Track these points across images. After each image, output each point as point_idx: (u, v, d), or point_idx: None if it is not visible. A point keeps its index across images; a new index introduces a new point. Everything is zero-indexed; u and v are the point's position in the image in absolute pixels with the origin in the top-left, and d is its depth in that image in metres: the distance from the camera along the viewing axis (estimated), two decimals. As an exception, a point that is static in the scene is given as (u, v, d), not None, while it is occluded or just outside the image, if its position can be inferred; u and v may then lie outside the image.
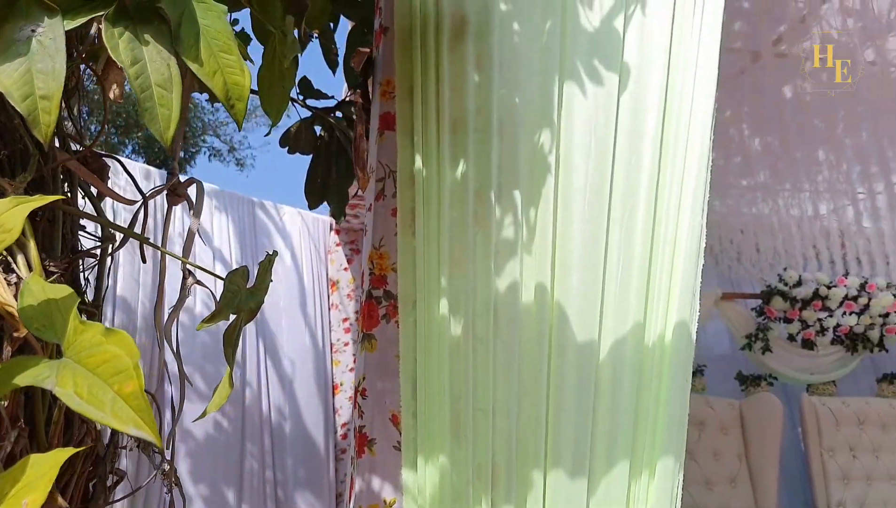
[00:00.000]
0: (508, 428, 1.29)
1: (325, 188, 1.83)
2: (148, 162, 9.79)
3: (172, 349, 1.07)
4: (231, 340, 0.94)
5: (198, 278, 1.04)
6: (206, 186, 4.43)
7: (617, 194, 1.42)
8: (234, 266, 4.31)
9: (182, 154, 10.64)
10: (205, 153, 10.52)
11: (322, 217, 5.06)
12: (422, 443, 1.29)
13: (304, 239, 4.79)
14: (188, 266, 1.09)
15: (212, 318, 0.88)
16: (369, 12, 1.69)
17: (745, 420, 4.84)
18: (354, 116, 1.71)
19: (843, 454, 4.90)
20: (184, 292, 1.04)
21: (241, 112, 0.81)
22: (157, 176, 4.10)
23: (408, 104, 1.42)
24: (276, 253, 1.00)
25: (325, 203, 1.88)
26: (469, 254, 1.34)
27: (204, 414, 0.92)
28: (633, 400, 1.32)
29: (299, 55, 1.35)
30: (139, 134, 9.63)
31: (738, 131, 4.24)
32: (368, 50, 1.63)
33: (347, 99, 1.82)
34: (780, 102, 3.79)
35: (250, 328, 4.24)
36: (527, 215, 1.38)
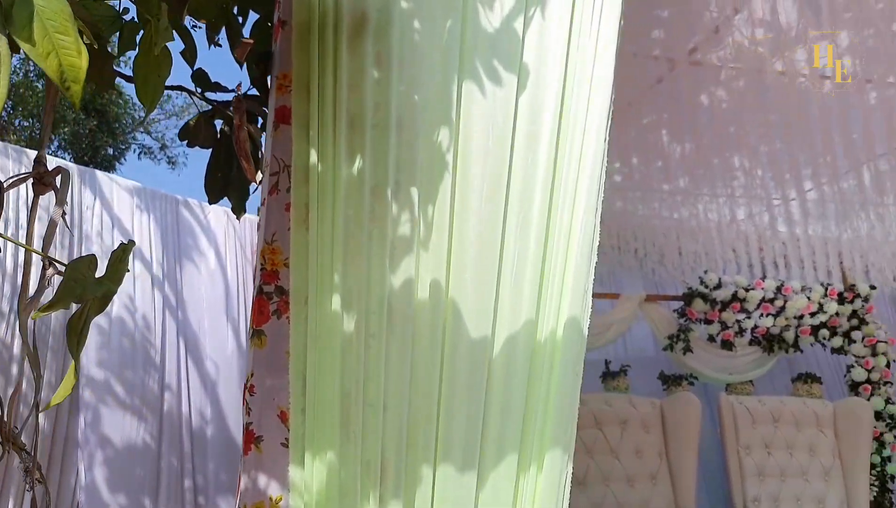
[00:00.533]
0: (399, 424, 1.29)
1: (225, 183, 1.80)
2: (75, 159, 9.50)
3: (29, 342, 1.03)
4: (76, 329, 0.91)
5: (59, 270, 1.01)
6: (127, 182, 4.32)
7: (513, 193, 1.43)
8: (155, 266, 4.21)
9: (110, 151, 10.34)
10: (135, 151, 10.24)
11: (250, 216, 4.99)
12: (310, 440, 1.28)
13: (230, 238, 4.71)
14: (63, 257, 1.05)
15: (49, 307, 0.86)
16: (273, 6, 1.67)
17: (666, 419, 4.95)
18: (259, 109, 1.69)
19: (758, 451, 5.05)
20: (42, 282, 1.01)
21: (76, 94, 0.79)
22: (75, 172, 3.98)
23: (304, 99, 1.41)
24: (132, 243, 0.97)
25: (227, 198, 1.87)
26: (364, 250, 1.34)
27: (47, 407, 0.90)
28: (523, 395, 1.34)
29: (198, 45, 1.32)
30: (65, 130, 9.34)
31: (658, 137, 4.34)
32: (252, 41, 1.61)
33: (248, 93, 1.80)
34: (696, 110, 3.89)
35: (171, 329, 4.14)
36: (424, 213, 1.39)
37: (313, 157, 1.37)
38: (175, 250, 4.35)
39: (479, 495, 1.28)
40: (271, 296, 1.43)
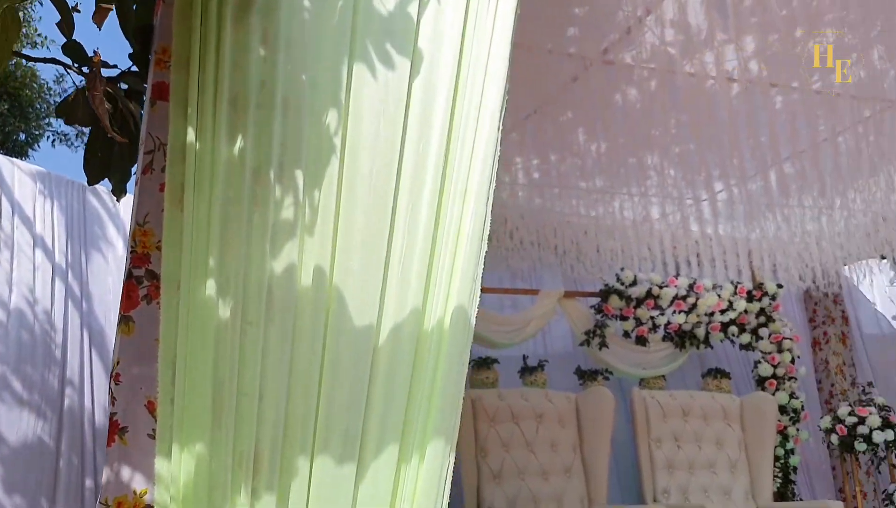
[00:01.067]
0: (275, 414, 1.23)
1: (106, 163, 1.71)
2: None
3: None
4: None
5: None
6: (31, 167, 4.12)
7: (404, 180, 1.39)
8: (58, 255, 4.02)
9: (22, 137, 9.93)
10: (48, 138, 9.81)
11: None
12: (179, 430, 1.21)
13: (141, 228, 4.54)
14: None
15: None
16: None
17: (581, 413, 5.01)
18: (140, 85, 1.61)
19: (668, 444, 5.16)
20: None
21: None
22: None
23: (184, 74, 1.35)
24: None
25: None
26: (243, 234, 1.28)
27: None
28: (407, 385, 1.30)
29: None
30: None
31: (575, 136, 4.38)
32: (111, 6, 1.53)
33: (132, 70, 1.71)
34: (611, 109, 3.93)
35: (74, 322, 3.97)
36: (309, 197, 1.34)
37: (191, 135, 1.31)
38: (81, 239, 4.17)
39: (359, 487, 1.24)
40: (141, 280, 1.36)
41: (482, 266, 1.43)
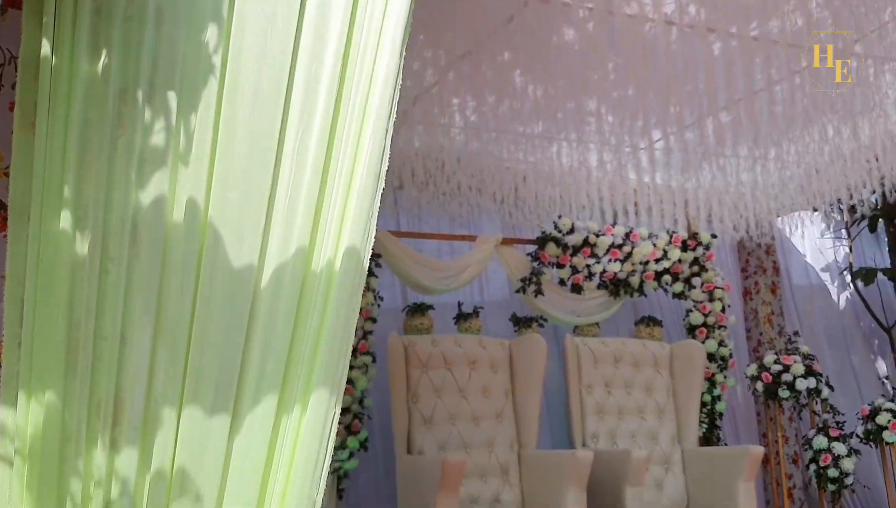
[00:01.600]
0: (139, 360, 1.12)
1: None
2: None
3: None
4: None
5: None
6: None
7: (293, 105, 1.26)
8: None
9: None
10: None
11: None
12: (27, 377, 1.09)
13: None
14: None
15: None
16: None
17: (514, 360, 4.99)
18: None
19: (599, 390, 5.20)
20: None
21: None
22: None
23: (37, -21, 1.19)
24: None
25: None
26: (104, 161, 1.14)
27: None
28: (289, 331, 1.20)
29: None
30: None
31: (512, 78, 4.25)
32: None
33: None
34: (549, 51, 3.81)
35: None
36: (184, 121, 1.20)
37: (46, 48, 1.15)
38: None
39: (233, 440, 1.14)
40: (-16, 210, 1.22)
41: (378, 204, 1.32)
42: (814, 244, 6.78)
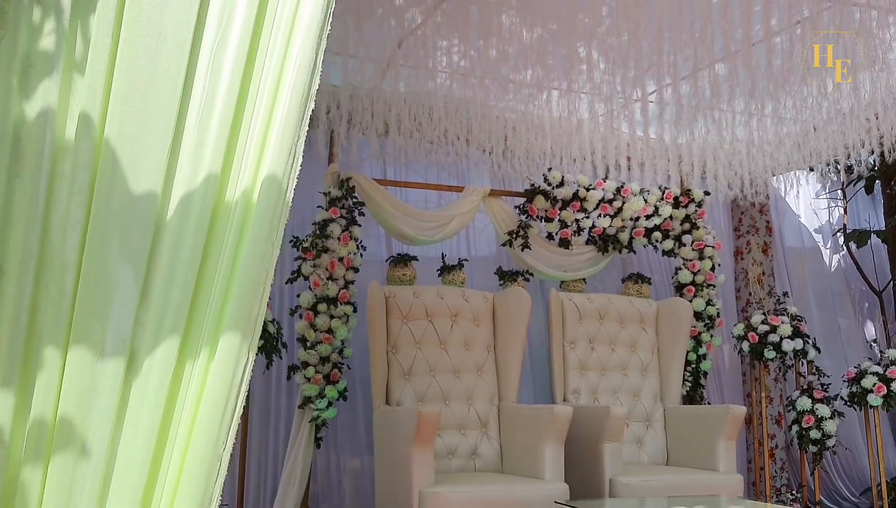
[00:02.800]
0: (19, 293, 0.98)
1: None
2: None
3: None
4: None
5: None
6: None
7: (211, 11, 1.10)
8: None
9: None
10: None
11: None
12: None
13: None
14: None
15: None
16: None
17: (497, 313, 4.87)
18: None
19: (583, 345, 5.09)
20: None
21: None
22: None
23: None
24: None
25: None
26: (-20, 65, 0.99)
27: None
28: (195, 266, 1.05)
29: None
30: None
31: (504, 21, 4.05)
32: None
33: None
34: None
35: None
36: (80, 23, 1.04)
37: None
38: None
39: (130, 384, 1.01)
40: None
41: (306, 128, 1.16)
42: (808, 205, 6.62)
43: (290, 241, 4.78)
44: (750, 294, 6.25)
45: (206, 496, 1.00)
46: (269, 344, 4.23)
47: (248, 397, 4.37)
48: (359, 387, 5.01)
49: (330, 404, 4.66)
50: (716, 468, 4.50)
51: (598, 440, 4.29)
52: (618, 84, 4.59)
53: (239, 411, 1.06)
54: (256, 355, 4.24)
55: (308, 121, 1.15)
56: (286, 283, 4.83)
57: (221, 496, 1.04)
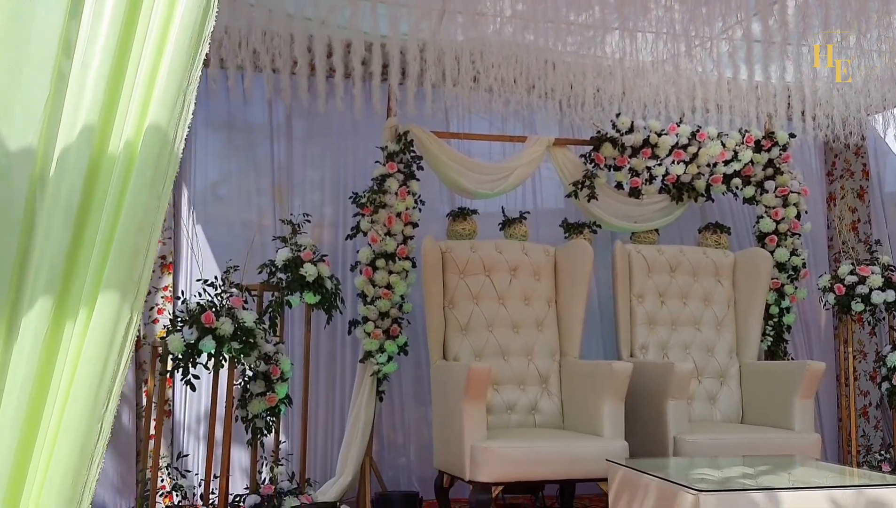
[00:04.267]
0: None
1: None
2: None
3: None
4: None
5: None
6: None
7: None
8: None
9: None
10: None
11: None
12: None
13: None
14: None
15: None
16: None
17: (559, 266, 4.71)
18: None
19: (652, 299, 4.86)
20: None
21: None
22: None
23: None
24: None
25: None
26: None
27: None
28: (71, 223, 1.00)
29: None
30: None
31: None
32: None
33: None
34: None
35: None
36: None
37: None
38: None
39: (10, 346, 0.98)
40: None
41: (198, 74, 1.08)
42: (913, 146, 6.02)
43: (350, 197, 4.78)
44: (843, 243, 5.79)
45: (83, 456, 0.96)
46: (327, 300, 4.25)
47: (308, 351, 4.43)
48: (422, 342, 4.99)
49: (390, 358, 4.67)
50: (791, 427, 4.23)
51: (662, 398, 4.11)
52: (692, 22, 4.26)
53: (123, 371, 1.01)
54: (316, 309, 4.29)
55: (200, 67, 1.07)
56: (346, 239, 4.83)
57: (104, 459, 1.01)
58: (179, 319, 3.45)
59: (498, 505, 4.68)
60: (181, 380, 3.36)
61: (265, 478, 4.05)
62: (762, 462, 3.56)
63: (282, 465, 4.13)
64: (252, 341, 3.57)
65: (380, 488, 4.69)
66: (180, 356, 3.33)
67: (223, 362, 3.51)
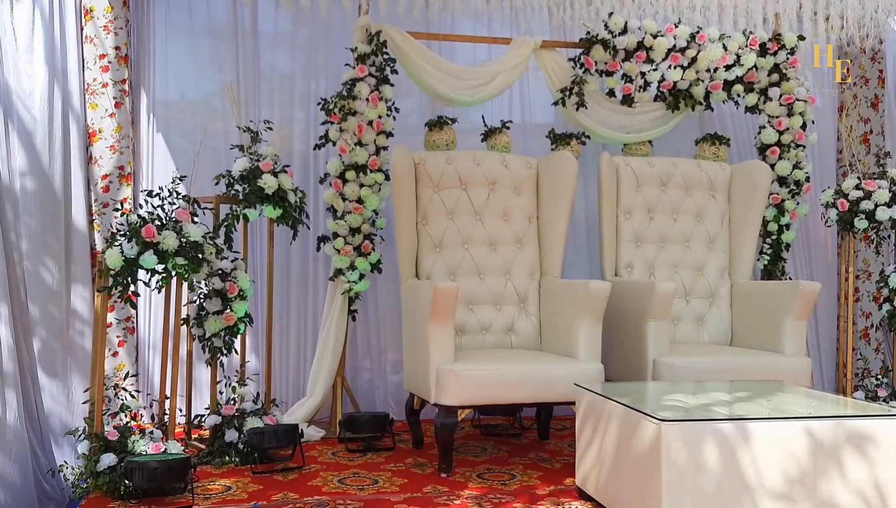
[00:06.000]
0: None
1: None
2: None
3: None
4: None
5: None
6: None
7: None
8: None
9: None
10: None
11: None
12: None
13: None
14: None
15: None
16: None
17: (541, 180, 4.43)
18: None
19: (640, 215, 4.58)
20: None
21: None
22: None
23: None
24: None
25: None
26: None
27: None
28: None
29: None
30: None
31: None
32: None
33: None
34: None
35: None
36: None
37: None
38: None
39: None
40: None
41: None
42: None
43: (318, 103, 4.49)
44: (853, 155, 5.45)
45: None
46: (289, 214, 4.02)
47: (272, 268, 4.23)
48: (397, 259, 4.78)
49: (362, 276, 4.47)
50: (781, 350, 4.02)
51: (642, 319, 3.89)
52: None
53: None
54: (279, 224, 4.06)
55: None
56: (314, 149, 4.57)
57: None
58: (120, 232, 3.23)
59: (475, 426, 4.56)
60: (118, 297, 3.17)
61: (230, 399, 3.92)
62: (743, 387, 3.36)
63: (246, 385, 3.99)
64: (200, 256, 3.36)
65: (353, 409, 4.57)
66: (118, 272, 3.13)
67: (168, 278, 3.31)
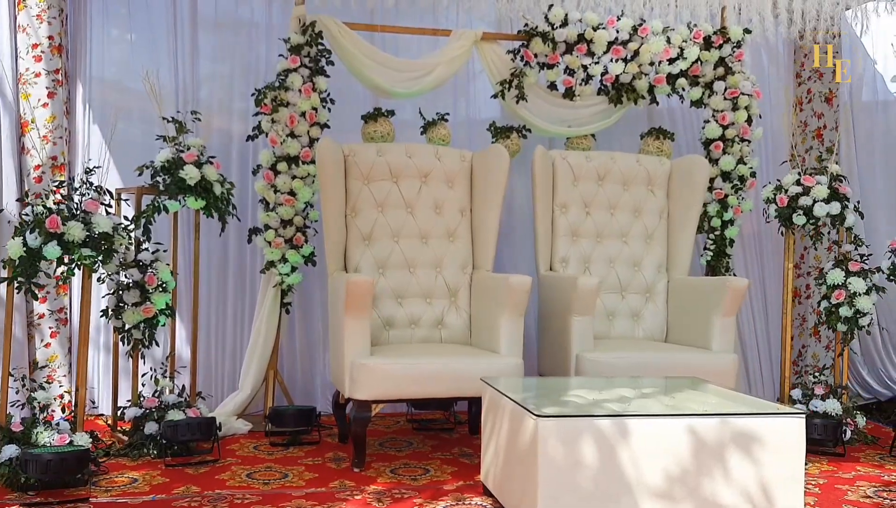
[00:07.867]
0: None
1: None
2: None
3: None
4: None
5: None
6: None
7: None
8: None
9: None
10: None
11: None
12: None
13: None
14: None
15: None
16: None
17: (475, 173, 4.41)
18: None
19: (576, 210, 4.56)
20: None
21: None
22: None
23: None
24: None
25: None
26: None
27: None
28: None
29: None
30: None
31: None
32: None
33: None
34: None
35: None
36: None
37: None
38: None
39: None
40: None
41: None
42: (889, 47, 5.54)
43: (252, 94, 4.48)
44: (807, 151, 5.43)
45: None
46: (214, 205, 4.01)
47: (197, 259, 4.23)
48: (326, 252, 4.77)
49: (294, 268, 4.47)
50: (709, 347, 4.00)
51: (566, 314, 3.88)
52: None
53: None
54: (207, 216, 4.05)
55: None
56: (246, 140, 4.56)
57: None
58: (27, 223, 3.23)
59: (408, 420, 4.56)
60: (17, 289, 3.17)
61: (156, 391, 3.92)
62: (652, 384, 3.35)
63: (173, 378, 3.99)
64: (109, 247, 3.36)
65: (287, 402, 4.58)
66: (19, 263, 3.14)
67: (75, 270, 3.31)
